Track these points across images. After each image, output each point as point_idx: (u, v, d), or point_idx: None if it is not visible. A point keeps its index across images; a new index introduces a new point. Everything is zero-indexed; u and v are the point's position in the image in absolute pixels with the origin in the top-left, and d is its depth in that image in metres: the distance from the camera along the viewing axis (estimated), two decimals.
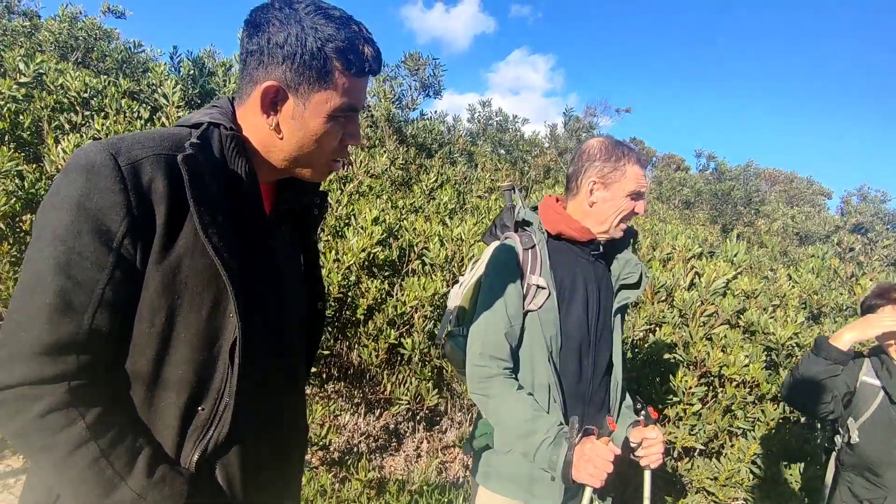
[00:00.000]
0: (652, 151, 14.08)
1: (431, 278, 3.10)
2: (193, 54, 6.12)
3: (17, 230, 3.06)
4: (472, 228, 3.30)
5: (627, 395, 1.58)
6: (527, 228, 1.51)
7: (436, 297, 3.03)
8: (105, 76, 4.16)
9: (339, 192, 4.12)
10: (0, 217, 2.88)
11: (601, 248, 1.51)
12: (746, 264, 4.34)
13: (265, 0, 0.84)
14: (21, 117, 3.55)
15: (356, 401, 3.44)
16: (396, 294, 3.21)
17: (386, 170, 5.00)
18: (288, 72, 0.80)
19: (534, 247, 1.45)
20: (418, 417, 3.68)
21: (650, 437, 1.39)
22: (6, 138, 3.48)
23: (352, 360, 3.38)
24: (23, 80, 3.60)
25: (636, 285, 1.52)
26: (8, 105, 3.47)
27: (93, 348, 0.71)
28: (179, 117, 3.77)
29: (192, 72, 5.21)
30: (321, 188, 1.03)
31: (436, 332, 3.13)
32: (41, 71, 3.67)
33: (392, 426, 3.57)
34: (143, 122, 3.69)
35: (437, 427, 3.79)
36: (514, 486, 1.40)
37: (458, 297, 1.62)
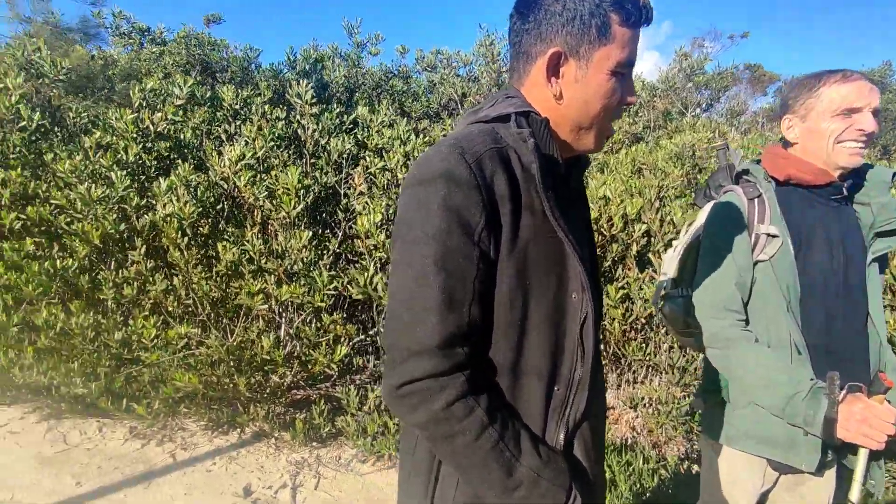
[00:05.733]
0: (774, 76, 12.58)
1: None
2: (295, 52, 6.37)
3: (199, 235, 3.45)
4: (618, 187, 3.17)
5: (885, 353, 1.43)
6: (749, 180, 1.43)
7: None
8: (249, 86, 4.48)
9: None
10: (189, 226, 3.25)
11: (844, 190, 1.38)
12: None
13: None
14: (182, 135, 3.96)
15: None
16: None
17: None
18: (568, 36, 0.81)
19: (759, 196, 1.38)
20: None
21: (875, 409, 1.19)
22: (172, 155, 3.90)
23: None
24: (178, 102, 3.98)
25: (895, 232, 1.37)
26: (170, 127, 3.87)
27: (473, 340, 0.76)
28: (312, 115, 4.01)
29: (306, 67, 5.46)
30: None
31: None
32: (192, 91, 4.03)
33: None
34: (282, 122, 3.95)
35: None
36: (766, 445, 1.35)
37: (673, 259, 1.60)
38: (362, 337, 3.55)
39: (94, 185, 3.13)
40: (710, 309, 1.37)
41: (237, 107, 3.95)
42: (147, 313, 3.28)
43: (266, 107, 3.95)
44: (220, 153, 3.43)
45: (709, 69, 7.86)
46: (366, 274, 3.07)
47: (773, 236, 1.34)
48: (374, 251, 3.28)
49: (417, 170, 0.77)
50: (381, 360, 4.03)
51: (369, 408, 2.98)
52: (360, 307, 3.88)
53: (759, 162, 1.47)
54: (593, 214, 3.08)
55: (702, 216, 1.51)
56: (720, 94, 8.31)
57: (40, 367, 3.11)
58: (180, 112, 3.86)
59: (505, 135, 0.82)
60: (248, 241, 3.29)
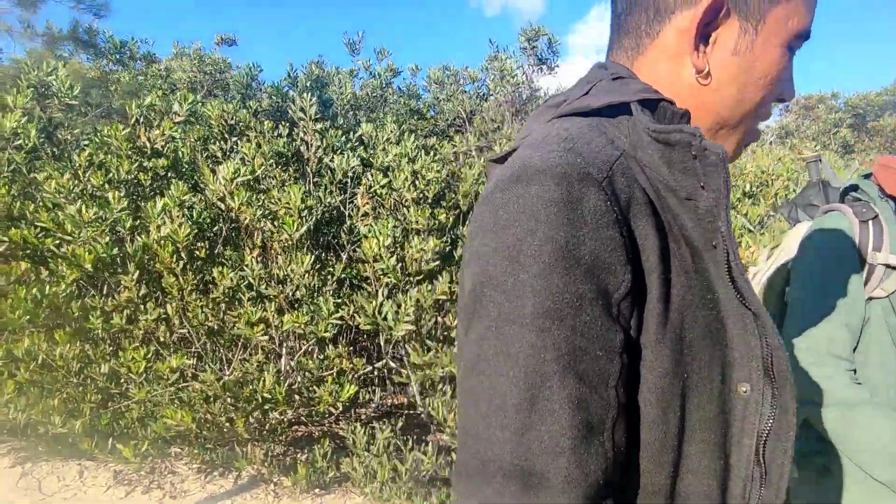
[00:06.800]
0: None
1: None
2: (296, 69, 6.21)
3: (195, 258, 3.22)
4: None
5: None
6: (860, 198, 1.21)
7: None
8: (235, 102, 4.30)
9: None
10: (184, 248, 3.02)
11: None
12: None
13: None
14: (180, 153, 3.76)
15: None
16: None
17: None
18: None
19: (875, 217, 1.15)
20: None
21: None
22: (169, 174, 3.70)
23: None
24: (178, 119, 3.79)
25: None
26: (168, 145, 3.68)
27: (613, 484, 0.44)
28: (316, 131, 3.82)
29: (309, 84, 5.30)
30: None
31: None
32: (192, 109, 3.85)
33: None
34: (283, 139, 3.75)
35: None
36: None
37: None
38: (369, 369, 3.30)
39: (85, 206, 2.91)
40: (807, 353, 1.13)
41: (232, 122, 3.76)
42: (138, 344, 3.04)
43: (265, 122, 3.76)
44: (214, 172, 3.22)
45: None
46: (374, 302, 2.83)
47: (895, 268, 1.12)
48: (382, 276, 3.05)
49: (509, 188, 0.45)
50: (387, 392, 3.75)
51: (378, 449, 2.71)
52: (364, 335, 3.63)
53: (868, 177, 1.25)
54: None
55: (790, 240, 1.29)
56: None
57: (18, 404, 2.86)
58: (178, 129, 3.67)
59: (615, 136, 0.53)
60: (247, 266, 3.06)
